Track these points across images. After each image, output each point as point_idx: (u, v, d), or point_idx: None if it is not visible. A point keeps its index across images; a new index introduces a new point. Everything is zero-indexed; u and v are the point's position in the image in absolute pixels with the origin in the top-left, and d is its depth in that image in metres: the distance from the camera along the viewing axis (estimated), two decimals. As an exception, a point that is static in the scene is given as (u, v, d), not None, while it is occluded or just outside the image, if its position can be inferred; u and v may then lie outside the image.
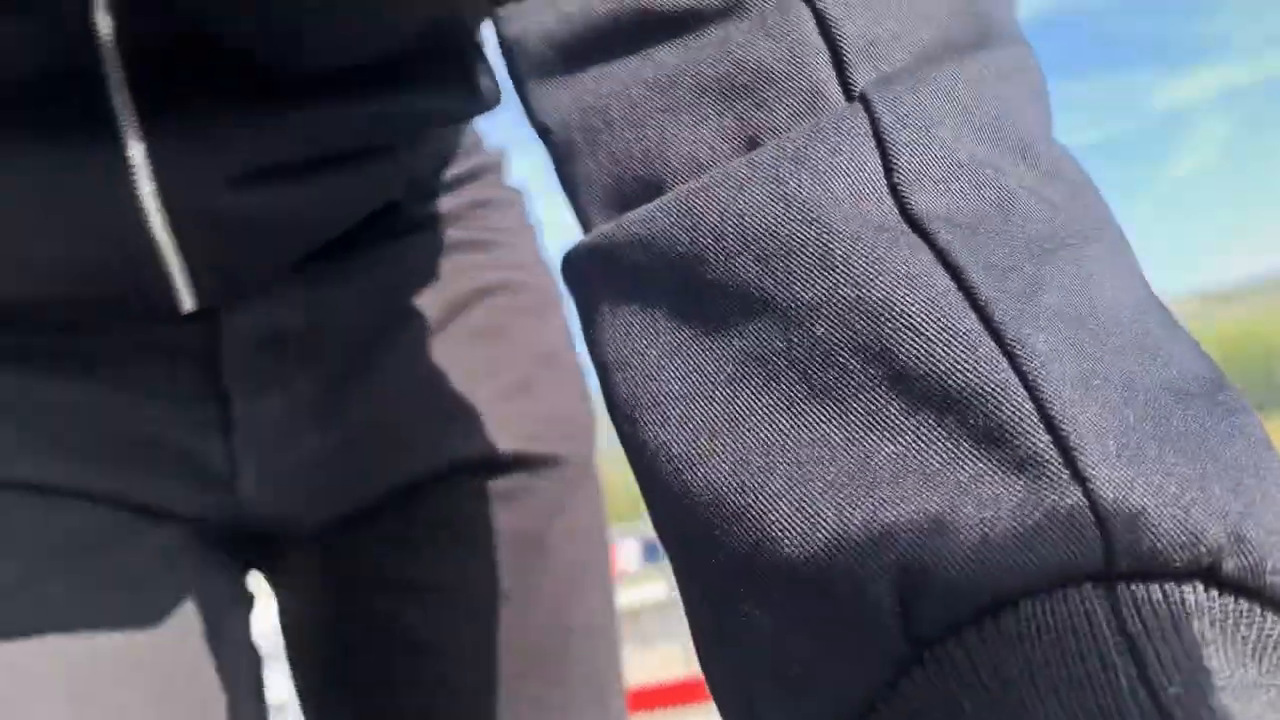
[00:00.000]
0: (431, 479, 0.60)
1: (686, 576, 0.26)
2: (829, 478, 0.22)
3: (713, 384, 0.24)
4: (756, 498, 0.23)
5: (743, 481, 0.23)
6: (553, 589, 0.62)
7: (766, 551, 0.23)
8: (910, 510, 0.21)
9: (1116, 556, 0.20)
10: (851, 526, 0.21)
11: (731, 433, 0.24)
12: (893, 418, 0.22)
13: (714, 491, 0.24)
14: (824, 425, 0.23)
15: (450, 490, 0.60)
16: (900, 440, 0.22)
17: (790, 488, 0.23)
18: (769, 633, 0.23)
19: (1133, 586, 0.20)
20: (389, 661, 0.61)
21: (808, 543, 0.22)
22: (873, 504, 0.21)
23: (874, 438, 0.22)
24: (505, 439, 0.61)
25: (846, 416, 0.22)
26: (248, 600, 0.63)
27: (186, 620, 0.56)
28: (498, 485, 0.61)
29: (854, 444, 0.22)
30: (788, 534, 0.22)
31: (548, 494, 0.62)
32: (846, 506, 0.22)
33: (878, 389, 0.22)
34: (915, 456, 0.21)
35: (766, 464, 0.23)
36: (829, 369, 0.23)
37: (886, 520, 0.21)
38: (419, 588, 0.61)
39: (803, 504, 0.22)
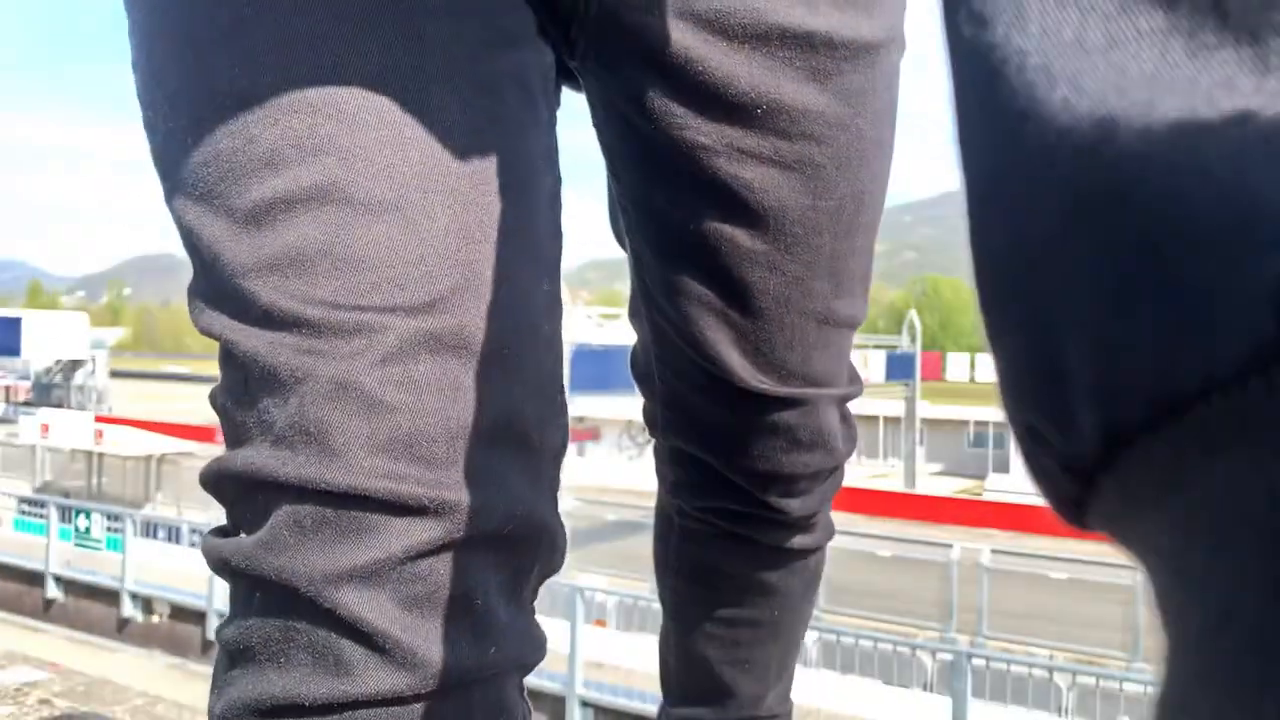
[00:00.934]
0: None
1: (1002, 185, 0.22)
2: (1239, 137, 0.19)
3: None
4: (1132, 111, 0.20)
5: (1117, 95, 0.20)
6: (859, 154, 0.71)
7: (1134, 178, 0.19)
8: None
9: None
10: (1259, 185, 0.18)
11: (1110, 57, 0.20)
12: None
13: (1089, 103, 0.20)
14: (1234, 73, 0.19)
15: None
16: None
17: (1181, 120, 0.19)
18: (1101, 288, 0.20)
19: None
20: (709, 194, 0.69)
21: (1193, 174, 0.19)
22: None
23: None
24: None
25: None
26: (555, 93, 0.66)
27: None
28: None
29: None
30: (1170, 159, 0.19)
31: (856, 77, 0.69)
32: (1261, 160, 0.18)
33: None
34: None
35: (1150, 96, 0.20)
36: None
37: None
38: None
39: (1193, 140, 0.19)
